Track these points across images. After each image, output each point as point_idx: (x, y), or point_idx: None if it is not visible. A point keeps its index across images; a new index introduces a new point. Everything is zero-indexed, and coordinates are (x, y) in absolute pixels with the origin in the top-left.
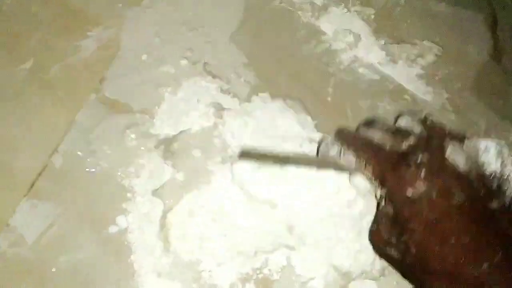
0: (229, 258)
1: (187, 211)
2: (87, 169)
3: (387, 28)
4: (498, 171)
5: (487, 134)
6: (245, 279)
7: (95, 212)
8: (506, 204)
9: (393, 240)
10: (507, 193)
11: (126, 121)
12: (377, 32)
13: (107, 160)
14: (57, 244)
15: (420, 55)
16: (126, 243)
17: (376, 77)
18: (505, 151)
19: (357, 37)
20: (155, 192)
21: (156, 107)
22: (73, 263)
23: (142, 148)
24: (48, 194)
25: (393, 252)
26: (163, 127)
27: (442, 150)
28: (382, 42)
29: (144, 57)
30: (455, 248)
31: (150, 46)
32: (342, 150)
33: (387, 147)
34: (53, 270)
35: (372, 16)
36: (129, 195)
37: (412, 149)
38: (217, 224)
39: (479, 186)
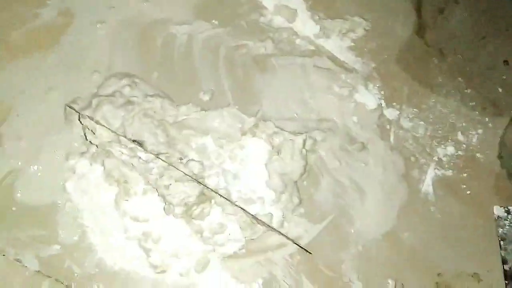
0: None
1: None
2: None
3: (322, 4)
4: None
5: (408, 99)
6: None
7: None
8: None
9: None
10: None
11: None
12: (313, 8)
13: None
14: (17, 186)
15: (351, 30)
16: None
17: (311, 48)
18: None
19: (294, 12)
20: None
21: None
22: (32, 204)
23: None
24: (9, 142)
25: None
26: None
27: None
28: (317, 17)
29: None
30: None
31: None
32: None
33: None
34: (13, 209)
35: None
36: None
37: None
38: None
39: None
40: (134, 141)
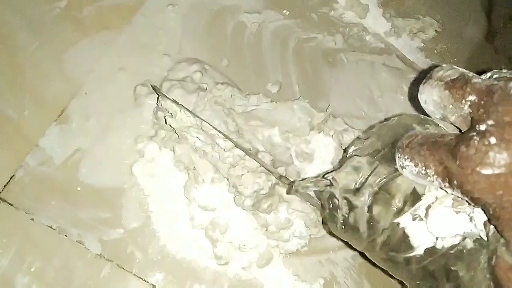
0: None
1: None
2: None
3: (393, 2)
4: None
5: None
6: None
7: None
8: None
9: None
10: None
11: None
12: (384, 5)
13: None
14: (83, 166)
15: (422, 30)
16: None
17: (381, 45)
18: None
19: (366, 8)
20: None
21: None
22: (97, 186)
23: None
24: (77, 121)
25: None
26: None
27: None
28: (388, 14)
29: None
30: None
31: None
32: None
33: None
34: (78, 189)
35: None
36: None
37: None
38: None
39: None
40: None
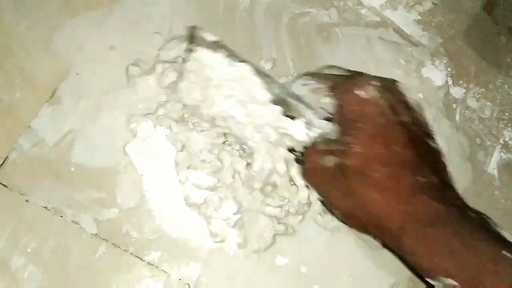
0: None
1: None
2: None
3: None
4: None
5: (476, 78)
6: None
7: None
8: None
9: (333, 146)
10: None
11: None
12: None
13: None
14: (76, 147)
15: (419, 2)
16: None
17: (377, 19)
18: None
19: None
20: None
21: None
22: (90, 166)
23: None
24: (69, 102)
25: (328, 162)
26: None
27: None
28: None
29: None
30: (391, 154)
31: None
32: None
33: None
34: (72, 169)
35: None
36: None
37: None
38: None
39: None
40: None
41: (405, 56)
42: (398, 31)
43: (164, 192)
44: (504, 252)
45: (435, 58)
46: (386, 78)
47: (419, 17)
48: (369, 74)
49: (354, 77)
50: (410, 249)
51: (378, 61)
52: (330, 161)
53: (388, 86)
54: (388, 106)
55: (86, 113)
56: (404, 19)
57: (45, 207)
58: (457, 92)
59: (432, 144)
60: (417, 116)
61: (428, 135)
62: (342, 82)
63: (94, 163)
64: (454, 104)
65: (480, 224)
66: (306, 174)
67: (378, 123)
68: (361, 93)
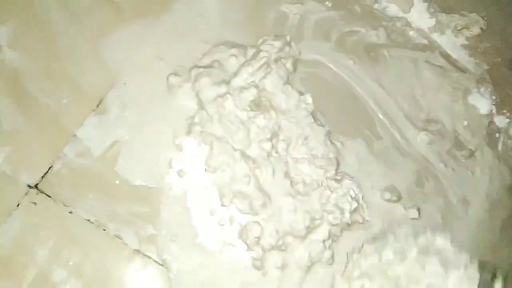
0: None
1: None
2: None
3: None
4: None
5: None
6: None
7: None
8: None
9: None
10: None
11: None
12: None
13: None
14: (121, 159)
15: (467, 27)
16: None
17: (425, 42)
18: None
19: (410, 2)
20: None
21: None
22: (135, 179)
23: None
24: (116, 111)
25: None
26: None
27: None
28: (432, 9)
29: None
30: None
31: None
32: None
33: None
34: (117, 182)
35: None
36: None
37: None
38: None
39: None
40: None
41: (452, 82)
42: (445, 56)
43: (208, 209)
44: None
45: (480, 85)
46: None
47: (466, 42)
48: None
49: None
50: None
51: (424, 86)
52: None
53: None
54: None
55: (132, 124)
56: (452, 43)
57: (88, 220)
58: (500, 121)
59: None
60: None
61: None
62: None
63: (139, 176)
64: (497, 134)
65: None
66: None
67: None
68: None
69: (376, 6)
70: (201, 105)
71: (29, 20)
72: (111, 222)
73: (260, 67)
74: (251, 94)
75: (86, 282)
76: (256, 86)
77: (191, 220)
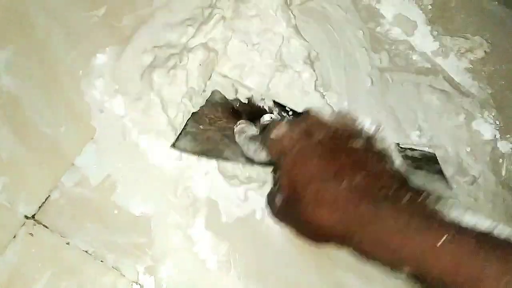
0: None
1: None
2: None
3: (442, 19)
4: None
5: None
6: None
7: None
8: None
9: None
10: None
11: None
12: (433, 22)
13: None
14: (119, 188)
15: (470, 50)
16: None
17: (428, 65)
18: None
19: (414, 25)
20: None
21: None
22: (133, 209)
23: None
24: (113, 140)
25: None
26: None
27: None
28: (436, 32)
29: None
30: (317, 169)
31: None
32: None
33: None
34: (115, 212)
35: (429, 6)
36: None
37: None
38: None
39: (343, 131)
40: None
41: (455, 107)
42: (448, 80)
43: (212, 242)
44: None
45: (484, 109)
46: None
47: (470, 66)
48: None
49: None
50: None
51: (426, 110)
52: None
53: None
54: (299, 133)
55: (129, 153)
56: (455, 67)
57: (86, 251)
58: (504, 146)
59: (358, 144)
60: (334, 125)
61: (353, 135)
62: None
63: (137, 206)
64: (500, 160)
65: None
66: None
67: (295, 152)
68: (273, 135)
69: (378, 29)
70: None
71: (29, 45)
72: (109, 253)
73: None
74: None
75: None
76: None
77: (192, 249)
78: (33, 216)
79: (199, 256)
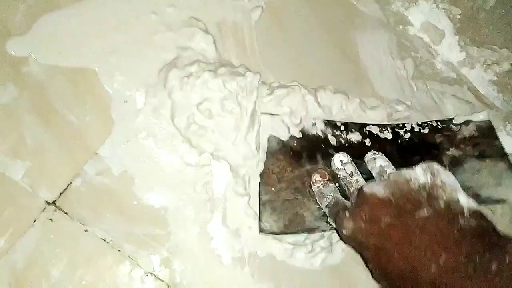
0: None
1: None
2: None
3: (470, 30)
4: (428, 182)
5: None
6: None
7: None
8: (439, 207)
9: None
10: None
11: None
12: (460, 32)
13: None
14: (140, 180)
15: (497, 62)
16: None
17: (453, 75)
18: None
19: (442, 34)
20: None
21: None
22: (152, 201)
23: None
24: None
25: None
26: None
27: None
28: (463, 43)
29: None
30: (406, 254)
31: None
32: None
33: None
34: (135, 203)
35: (458, 16)
36: None
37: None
38: None
39: (404, 202)
40: None
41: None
42: (473, 91)
43: (231, 238)
44: None
45: (507, 123)
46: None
47: (495, 78)
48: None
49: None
50: None
51: None
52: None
53: (361, 204)
54: (367, 222)
55: (149, 146)
56: (480, 78)
57: (104, 240)
58: None
59: (426, 212)
60: (394, 199)
61: (419, 203)
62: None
63: (156, 198)
64: None
65: None
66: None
67: (372, 246)
68: (347, 232)
69: (406, 36)
70: None
71: None
72: (126, 242)
73: None
74: None
75: None
76: None
77: (210, 243)
78: (54, 202)
79: (215, 252)
